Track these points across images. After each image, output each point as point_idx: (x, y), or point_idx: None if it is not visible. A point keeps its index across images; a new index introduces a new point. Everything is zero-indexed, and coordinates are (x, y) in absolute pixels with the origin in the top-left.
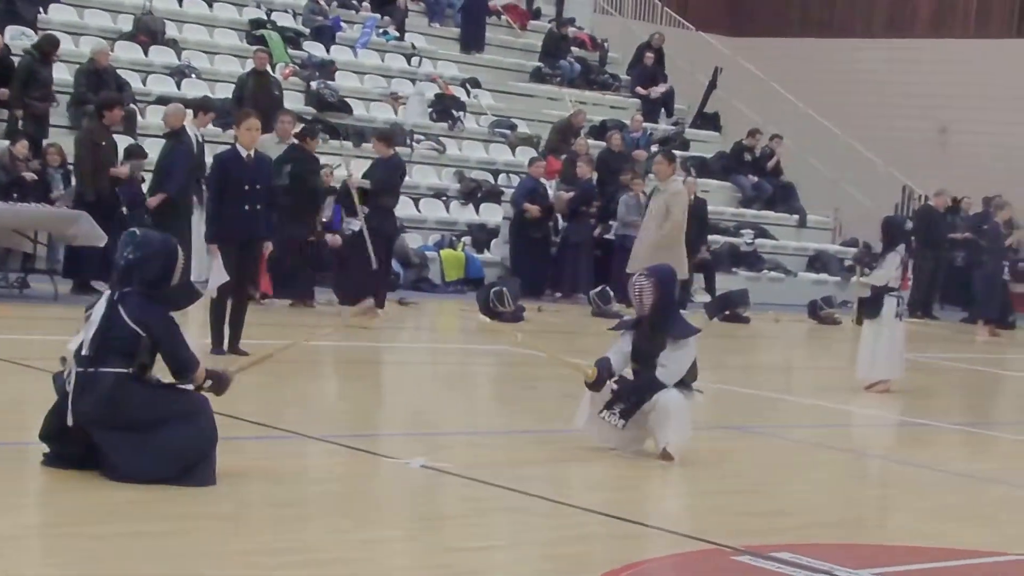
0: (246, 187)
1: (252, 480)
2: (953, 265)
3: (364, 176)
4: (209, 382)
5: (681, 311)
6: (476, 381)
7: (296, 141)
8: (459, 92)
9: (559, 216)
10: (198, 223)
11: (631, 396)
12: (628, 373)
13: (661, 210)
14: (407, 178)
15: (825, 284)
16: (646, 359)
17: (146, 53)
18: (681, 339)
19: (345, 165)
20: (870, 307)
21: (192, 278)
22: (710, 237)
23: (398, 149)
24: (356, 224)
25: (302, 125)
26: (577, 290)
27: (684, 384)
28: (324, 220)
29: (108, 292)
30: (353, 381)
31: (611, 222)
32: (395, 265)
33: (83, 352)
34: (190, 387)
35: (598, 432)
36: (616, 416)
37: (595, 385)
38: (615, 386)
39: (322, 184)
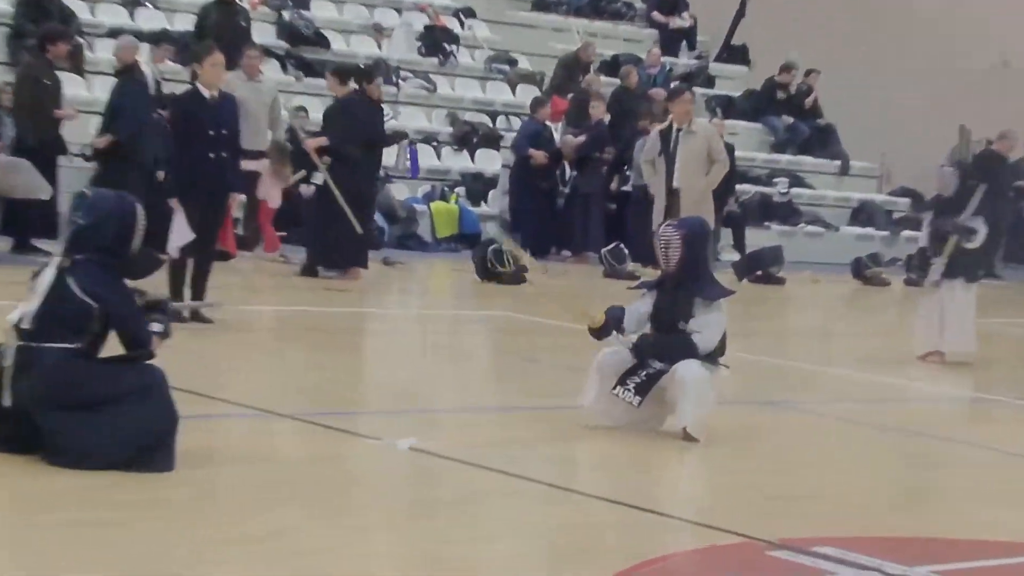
0: (210, 132)
1: (217, 464)
2: (1021, 217)
3: (324, 119)
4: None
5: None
6: (470, 352)
7: (355, 87)
8: (451, 23)
9: (566, 164)
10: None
11: (654, 354)
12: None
13: (700, 154)
14: (393, 121)
15: (871, 240)
16: (667, 324)
17: None
18: (711, 301)
19: (298, 125)
20: (968, 268)
21: None
22: (739, 187)
23: (384, 88)
24: (318, 179)
25: (357, 67)
26: (587, 248)
27: (709, 356)
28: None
29: (57, 259)
30: (331, 352)
31: (626, 171)
32: (379, 219)
33: (23, 325)
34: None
35: (609, 410)
36: (631, 392)
37: (600, 332)
38: (632, 344)
39: (388, 137)
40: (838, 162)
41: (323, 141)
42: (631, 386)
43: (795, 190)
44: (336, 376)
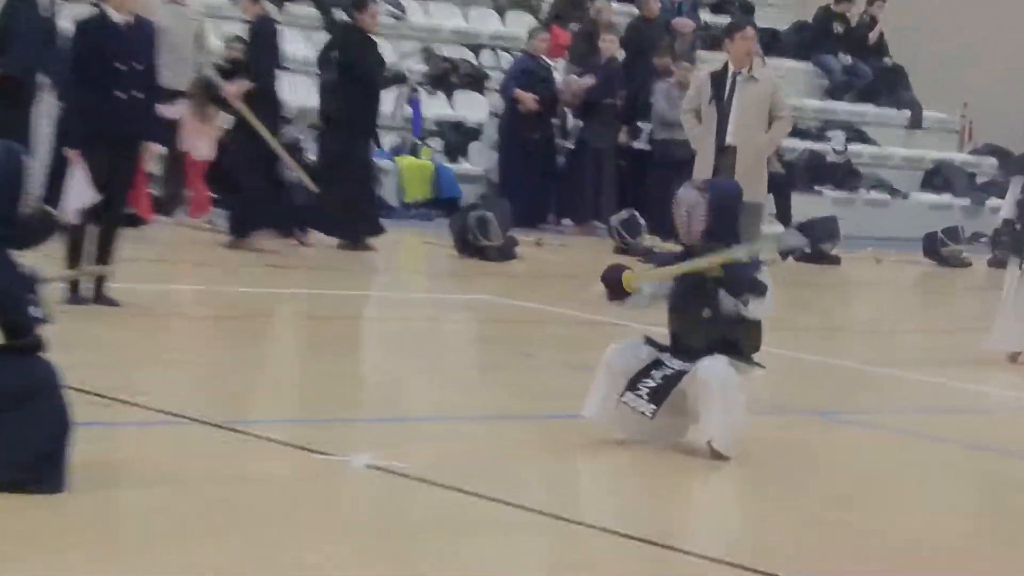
0: (119, 66)
1: (122, 485)
2: None
3: (245, 54)
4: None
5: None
6: (447, 345)
7: (346, 19)
8: None
9: (567, 111)
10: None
11: (690, 339)
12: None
13: (762, 106)
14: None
15: (948, 210)
16: (689, 310)
17: None
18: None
19: (212, 73)
20: None
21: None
22: (784, 142)
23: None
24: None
25: None
26: (595, 217)
27: (739, 351)
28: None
29: None
30: (271, 345)
31: (640, 124)
32: None
33: None
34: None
35: (619, 421)
36: (644, 399)
37: (620, 294)
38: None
39: (384, 79)
40: (908, 113)
41: (246, 86)
42: (644, 392)
43: (854, 147)
44: (278, 375)
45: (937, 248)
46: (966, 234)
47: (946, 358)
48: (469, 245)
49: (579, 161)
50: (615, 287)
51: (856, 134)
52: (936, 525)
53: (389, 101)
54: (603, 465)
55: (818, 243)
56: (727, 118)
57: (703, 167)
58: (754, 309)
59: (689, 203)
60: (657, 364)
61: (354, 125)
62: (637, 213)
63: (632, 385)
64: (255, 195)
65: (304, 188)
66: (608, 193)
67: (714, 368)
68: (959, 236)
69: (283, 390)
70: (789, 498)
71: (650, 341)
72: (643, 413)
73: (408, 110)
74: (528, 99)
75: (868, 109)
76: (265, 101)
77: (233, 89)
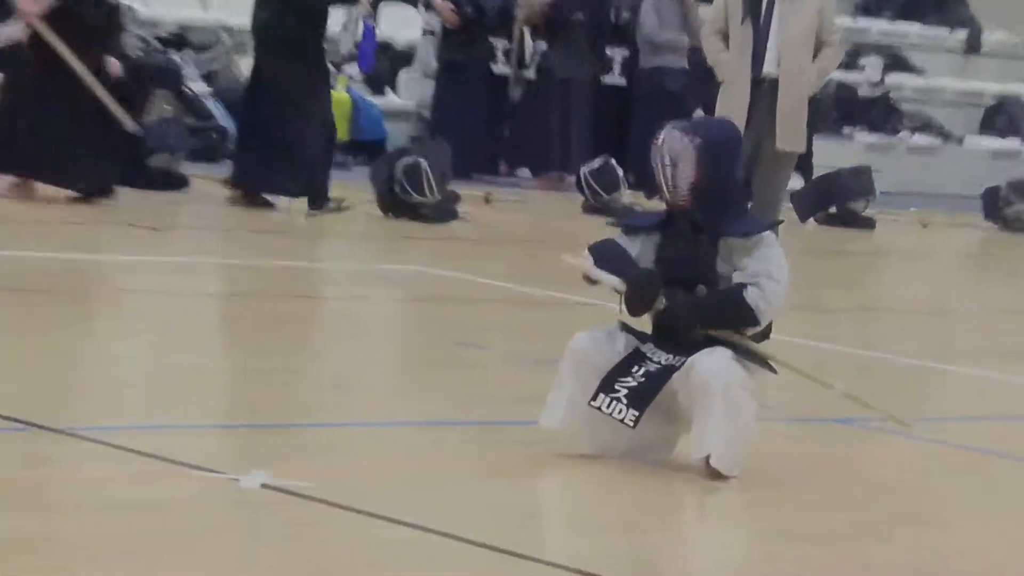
0: None
1: None
2: None
3: None
4: None
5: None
6: (366, 331)
7: None
8: None
9: (525, 31)
10: None
11: (680, 328)
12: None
13: (809, 26)
14: None
15: (1014, 158)
16: (681, 284)
17: None
18: (752, 235)
19: None
20: None
21: None
22: None
23: None
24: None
25: None
26: (560, 166)
27: (742, 348)
28: None
29: None
30: (132, 329)
31: (612, 50)
32: (219, 115)
33: None
34: None
35: (589, 432)
36: (622, 404)
37: (639, 303)
38: (661, 306)
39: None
40: (963, 34)
41: (46, 3)
42: (622, 394)
43: (893, 77)
44: (143, 370)
45: (1000, 207)
46: None
47: (1011, 349)
48: (397, 201)
49: (541, 96)
50: (633, 306)
51: (896, 61)
52: (989, 555)
53: (337, 23)
54: (566, 487)
55: (847, 201)
56: (766, 42)
57: (733, 106)
58: (756, 296)
59: (673, 149)
60: (638, 357)
61: (293, 50)
62: (614, 161)
63: (607, 386)
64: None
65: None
66: (579, 136)
67: (715, 365)
68: None
69: (147, 388)
70: (806, 531)
71: (627, 328)
72: (622, 421)
73: (357, 37)
74: (445, 9)
75: (912, 29)
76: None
77: (30, 6)
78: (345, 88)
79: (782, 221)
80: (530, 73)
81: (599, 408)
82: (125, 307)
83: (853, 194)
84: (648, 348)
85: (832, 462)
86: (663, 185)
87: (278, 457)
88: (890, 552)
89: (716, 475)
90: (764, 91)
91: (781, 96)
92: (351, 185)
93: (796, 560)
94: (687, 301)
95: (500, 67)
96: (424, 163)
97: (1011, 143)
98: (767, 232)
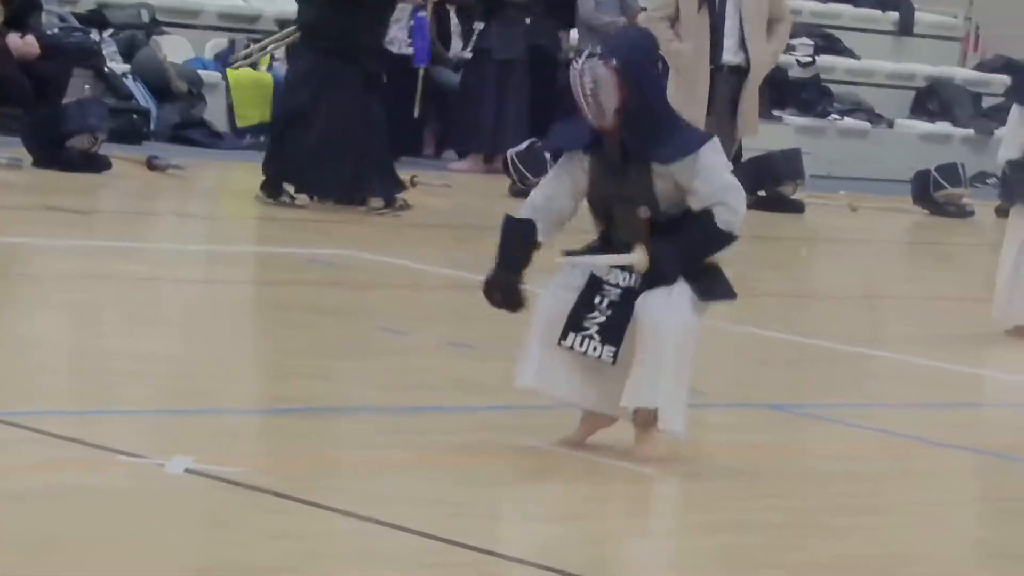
0: None
1: None
2: None
3: None
4: None
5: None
6: (290, 316)
7: None
8: None
9: (449, 9)
10: None
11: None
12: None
13: (762, 7)
14: None
15: (945, 142)
16: (619, 208)
17: None
18: (686, 154)
19: None
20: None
21: None
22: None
23: None
24: None
25: None
26: (492, 148)
27: (699, 282)
28: None
29: None
30: (49, 314)
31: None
32: (139, 95)
33: None
34: None
35: (561, 376)
36: (595, 342)
37: (500, 290)
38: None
39: None
40: (895, 15)
41: None
42: (593, 330)
43: (825, 59)
44: (64, 355)
45: (931, 192)
46: (969, 174)
47: (942, 334)
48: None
49: (476, 73)
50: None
51: (827, 42)
52: (929, 554)
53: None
54: (499, 475)
55: (777, 184)
56: (723, 29)
57: (694, 97)
58: (724, 214)
59: (591, 77)
60: (596, 287)
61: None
62: (542, 145)
63: (574, 323)
64: None
65: None
66: (516, 119)
67: (669, 313)
68: (960, 177)
69: (63, 371)
70: (748, 521)
71: (572, 253)
72: (599, 358)
73: (409, 29)
74: None
75: (844, 9)
76: None
77: None
78: (269, 68)
79: (713, 136)
80: (467, 53)
81: (571, 347)
82: (45, 291)
83: (783, 177)
84: (602, 270)
85: (767, 450)
86: (584, 106)
87: (203, 443)
88: (831, 543)
89: (648, 425)
90: (722, 79)
91: (748, 85)
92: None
93: (741, 552)
94: (670, 251)
95: (400, 48)
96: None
97: (942, 127)
98: (704, 145)
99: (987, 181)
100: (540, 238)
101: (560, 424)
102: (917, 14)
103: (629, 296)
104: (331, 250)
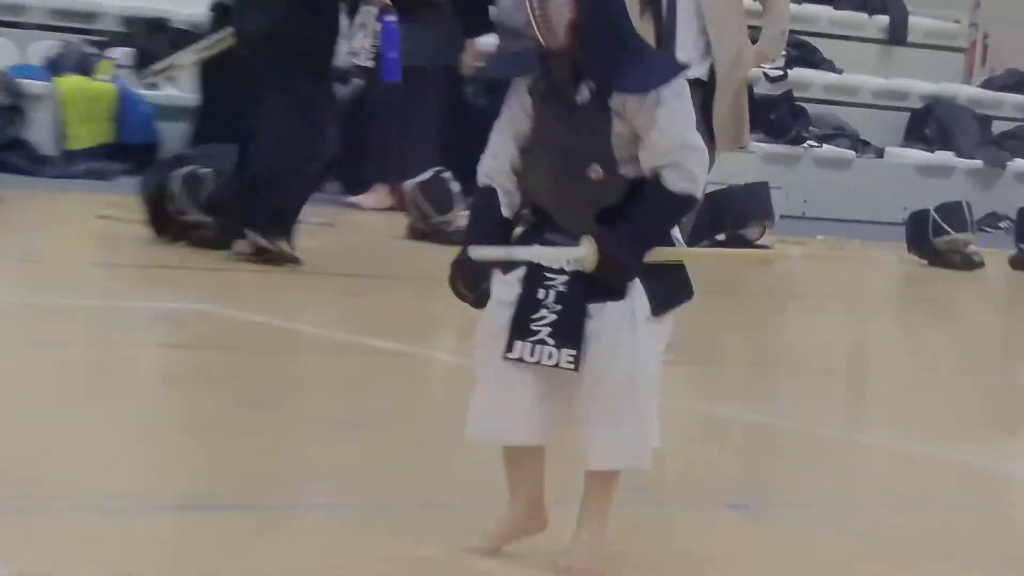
0: None
1: None
2: None
3: None
4: None
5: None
6: (133, 389)
7: None
8: None
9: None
10: None
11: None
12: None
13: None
14: None
15: (948, 175)
16: (564, 166)
17: None
18: (648, 91)
19: None
20: None
21: None
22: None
23: None
24: None
25: None
26: (398, 175)
27: (658, 291)
28: None
29: None
30: None
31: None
32: None
33: None
34: None
35: (522, 413)
36: (549, 347)
37: (469, 277)
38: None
39: None
40: (885, 19)
41: None
42: (544, 333)
43: (798, 73)
44: None
45: (928, 237)
46: (976, 216)
47: (942, 416)
48: (171, 221)
49: (368, 92)
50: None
51: (801, 51)
52: None
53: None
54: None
55: (740, 227)
56: (673, 37)
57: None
58: (674, 178)
59: None
60: (537, 278)
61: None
62: (450, 175)
63: (520, 330)
64: None
65: None
66: (422, 141)
67: (623, 357)
68: (965, 219)
69: None
70: None
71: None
72: (558, 366)
73: (373, 37)
74: None
75: (822, 12)
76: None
77: None
78: (110, 77)
79: (684, 68)
80: (367, 61)
81: (520, 359)
82: None
83: (747, 217)
84: (538, 250)
85: (722, 563)
86: (532, 25)
87: (30, 544)
88: None
89: (598, 510)
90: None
91: (718, 100)
92: (116, 199)
93: None
94: (619, 240)
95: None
96: (208, 173)
97: (942, 157)
98: (674, 80)
99: (999, 224)
100: (504, 211)
101: (466, 523)
102: (911, 19)
103: (579, 283)
104: (181, 304)
